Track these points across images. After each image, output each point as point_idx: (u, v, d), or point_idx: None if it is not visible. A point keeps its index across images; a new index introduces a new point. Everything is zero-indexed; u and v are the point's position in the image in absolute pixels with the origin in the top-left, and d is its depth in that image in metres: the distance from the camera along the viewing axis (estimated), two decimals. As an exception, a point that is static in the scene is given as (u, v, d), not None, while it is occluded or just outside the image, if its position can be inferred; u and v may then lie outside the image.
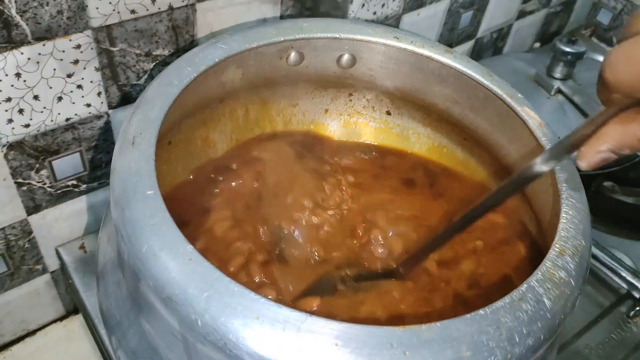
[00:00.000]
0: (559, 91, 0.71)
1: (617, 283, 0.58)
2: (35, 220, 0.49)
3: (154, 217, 0.30)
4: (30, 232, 0.50)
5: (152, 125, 0.35)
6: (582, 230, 0.34)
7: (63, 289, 0.56)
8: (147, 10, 0.43)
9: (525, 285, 0.31)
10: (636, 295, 0.56)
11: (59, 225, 0.51)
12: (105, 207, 0.53)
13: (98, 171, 0.50)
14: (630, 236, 0.65)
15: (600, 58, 0.88)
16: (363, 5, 0.59)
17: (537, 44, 0.92)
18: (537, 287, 0.31)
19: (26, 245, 0.50)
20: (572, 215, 0.35)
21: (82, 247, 0.52)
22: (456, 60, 0.44)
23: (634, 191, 0.69)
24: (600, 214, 0.66)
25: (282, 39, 0.44)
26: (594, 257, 0.58)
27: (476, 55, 0.82)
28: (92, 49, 0.43)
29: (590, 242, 0.35)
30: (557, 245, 0.33)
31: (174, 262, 0.29)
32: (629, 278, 0.57)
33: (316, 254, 0.42)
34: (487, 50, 0.83)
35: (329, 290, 0.39)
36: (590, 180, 0.67)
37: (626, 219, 0.66)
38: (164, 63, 0.47)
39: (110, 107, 0.47)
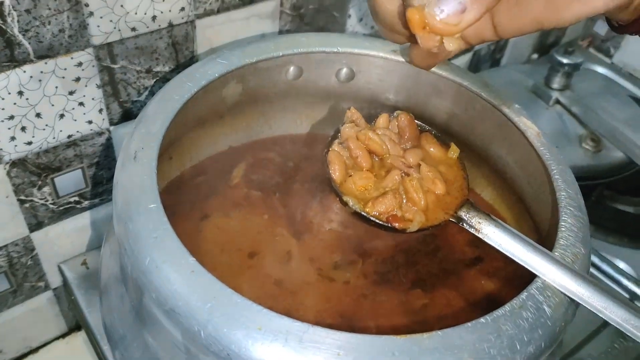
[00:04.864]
0: (557, 102, 0.71)
1: (618, 292, 0.58)
2: (37, 237, 0.49)
3: (157, 230, 0.30)
4: (33, 249, 0.50)
5: (154, 139, 0.35)
6: (581, 238, 0.35)
7: (65, 306, 0.56)
8: (148, 27, 0.44)
9: (526, 293, 0.31)
10: (638, 304, 0.56)
11: (62, 242, 0.52)
12: (107, 223, 0.53)
13: (99, 187, 0.51)
14: (631, 245, 0.65)
15: (598, 68, 0.89)
16: (361, 19, 0.60)
17: (535, 55, 0.93)
18: (537, 294, 0.31)
19: (29, 262, 0.51)
20: (571, 224, 0.35)
21: (84, 263, 0.52)
22: (453, 73, 0.45)
23: (634, 200, 0.70)
24: (601, 223, 0.66)
25: (281, 54, 0.44)
26: (596, 266, 0.58)
27: (474, 67, 0.82)
28: (93, 66, 0.43)
29: (589, 249, 0.35)
30: (556, 253, 0.33)
31: (176, 274, 0.29)
32: (631, 287, 0.57)
33: None
34: (485, 62, 0.84)
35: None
36: (590, 190, 0.68)
37: (627, 228, 0.66)
38: (165, 79, 0.48)
39: (112, 123, 0.48)
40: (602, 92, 0.77)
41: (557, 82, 0.71)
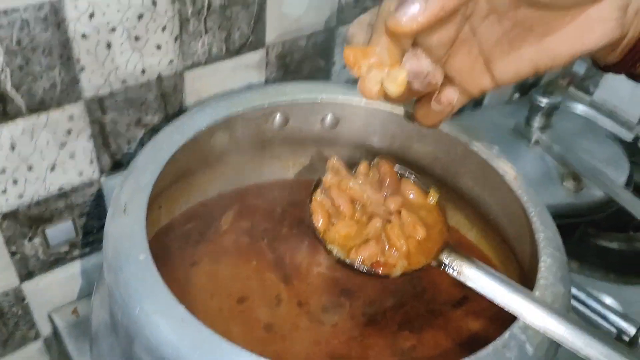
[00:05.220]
0: (538, 141, 0.73)
1: (606, 328, 0.58)
2: (28, 287, 0.50)
3: (146, 280, 0.31)
4: (24, 299, 0.50)
5: (143, 191, 0.36)
6: (560, 277, 0.35)
7: (56, 355, 0.56)
8: (137, 80, 0.46)
9: (508, 333, 0.32)
10: (625, 339, 0.57)
11: (52, 291, 0.52)
12: (97, 271, 0.54)
13: (90, 236, 0.51)
14: (617, 281, 0.66)
15: (579, 107, 0.91)
16: (345, 66, 0.61)
17: (517, 95, 0.95)
18: (519, 334, 0.32)
19: (19, 312, 0.51)
20: (550, 264, 0.36)
21: (74, 311, 0.53)
22: (434, 119, 0.47)
23: (618, 236, 0.71)
24: (586, 260, 0.67)
25: (267, 104, 0.46)
26: (582, 303, 0.59)
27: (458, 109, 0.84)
28: (84, 119, 0.44)
29: (569, 288, 0.36)
30: (537, 293, 0.34)
31: (166, 322, 0.30)
32: (619, 322, 0.58)
33: None
34: (468, 103, 0.86)
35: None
36: (574, 228, 0.69)
37: (612, 264, 0.67)
38: (154, 129, 0.49)
39: (102, 173, 0.48)
40: (582, 131, 0.79)
41: (537, 122, 0.73)
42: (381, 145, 0.52)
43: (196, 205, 0.51)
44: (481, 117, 0.81)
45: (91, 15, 0.40)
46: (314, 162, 0.55)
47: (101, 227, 0.51)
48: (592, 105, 0.94)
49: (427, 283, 0.47)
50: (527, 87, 0.95)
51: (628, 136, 0.87)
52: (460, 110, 0.86)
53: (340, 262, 0.37)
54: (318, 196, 0.39)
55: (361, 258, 0.36)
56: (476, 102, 0.87)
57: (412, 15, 0.28)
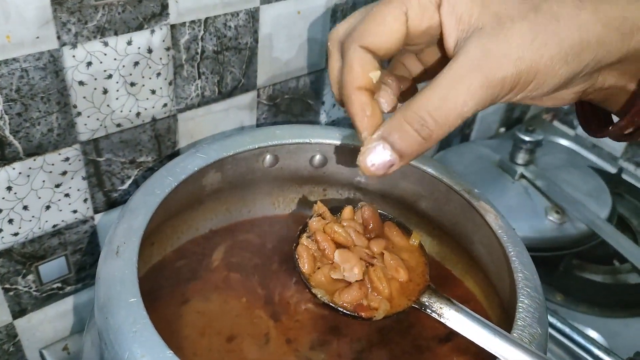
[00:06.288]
0: (523, 176, 0.75)
1: (590, 362, 0.59)
2: (20, 324, 0.50)
3: (136, 324, 0.32)
4: (16, 336, 0.51)
5: (135, 234, 0.37)
6: (537, 318, 0.37)
7: (46, 392, 0.57)
8: (132, 123, 0.47)
9: (487, 374, 0.33)
10: (610, 373, 0.58)
11: (44, 328, 0.53)
12: (89, 307, 0.54)
13: (82, 273, 0.52)
14: (601, 313, 0.67)
15: (562, 141, 0.94)
16: (334, 105, 0.63)
17: (502, 129, 0.97)
18: (498, 375, 0.33)
19: (11, 349, 0.51)
20: (527, 304, 0.37)
21: (65, 348, 0.53)
22: (417, 160, 0.48)
23: (602, 269, 0.72)
24: (571, 293, 0.68)
25: (257, 146, 0.47)
26: (567, 336, 0.60)
27: (445, 142, 0.86)
28: (79, 160, 0.46)
29: (546, 329, 0.37)
30: (514, 334, 0.35)
31: (155, 367, 0.31)
32: (602, 356, 0.59)
33: None
34: (455, 137, 0.88)
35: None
36: (558, 260, 0.70)
37: (596, 297, 0.68)
38: (148, 169, 0.51)
39: (96, 211, 0.50)
40: (565, 165, 0.81)
41: (521, 157, 0.75)
42: (368, 183, 0.53)
43: (188, 242, 0.52)
44: (468, 152, 0.83)
45: (89, 64, 0.41)
46: (303, 199, 0.56)
47: (94, 263, 0.52)
48: (576, 138, 0.96)
49: (413, 318, 0.48)
50: (512, 121, 0.98)
51: (612, 168, 0.89)
52: (448, 145, 0.88)
53: (326, 305, 0.38)
54: (304, 240, 0.40)
55: (344, 302, 0.37)
56: (463, 137, 0.89)
57: (383, 166, 0.33)
